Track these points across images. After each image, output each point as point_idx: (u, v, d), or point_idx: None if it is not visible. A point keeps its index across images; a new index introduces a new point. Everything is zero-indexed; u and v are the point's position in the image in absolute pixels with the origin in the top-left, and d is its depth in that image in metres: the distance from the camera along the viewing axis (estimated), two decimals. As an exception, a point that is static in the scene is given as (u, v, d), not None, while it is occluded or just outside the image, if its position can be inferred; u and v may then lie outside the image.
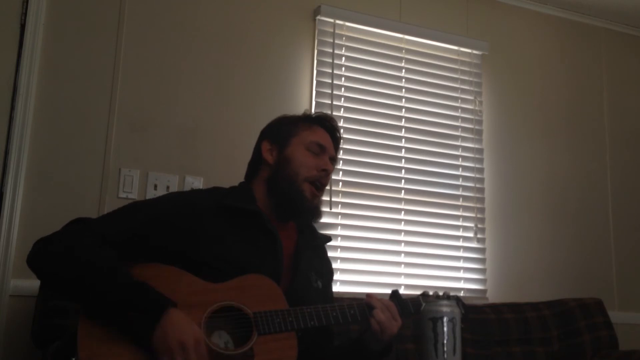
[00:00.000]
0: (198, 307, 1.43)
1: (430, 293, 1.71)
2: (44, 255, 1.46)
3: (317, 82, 2.74)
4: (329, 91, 2.75)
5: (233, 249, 1.56)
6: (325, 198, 2.65)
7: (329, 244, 1.88)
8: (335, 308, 1.56)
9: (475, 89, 3.06)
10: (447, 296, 1.68)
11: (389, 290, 2.71)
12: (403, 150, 2.87)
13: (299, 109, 2.67)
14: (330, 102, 2.74)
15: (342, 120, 2.76)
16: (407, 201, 2.83)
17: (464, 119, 3.02)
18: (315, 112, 1.88)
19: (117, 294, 1.37)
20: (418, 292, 2.67)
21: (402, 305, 1.63)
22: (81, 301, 1.40)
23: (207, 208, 1.61)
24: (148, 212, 1.59)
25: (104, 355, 1.33)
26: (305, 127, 1.77)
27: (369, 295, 1.63)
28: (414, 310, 1.65)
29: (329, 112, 2.70)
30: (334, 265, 2.58)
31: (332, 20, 2.80)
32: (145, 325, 1.34)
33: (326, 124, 1.81)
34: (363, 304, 1.60)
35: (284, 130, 1.77)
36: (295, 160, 1.70)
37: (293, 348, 1.48)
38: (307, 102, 2.71)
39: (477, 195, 2.97)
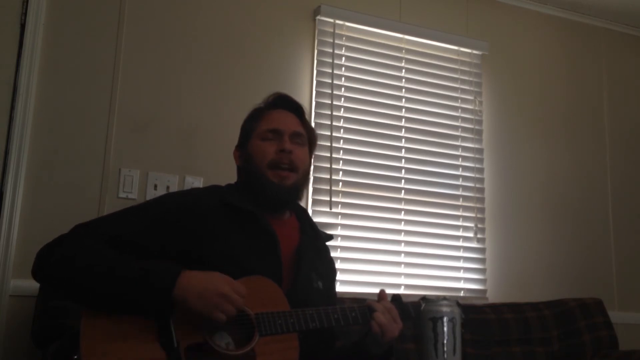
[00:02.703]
0: None
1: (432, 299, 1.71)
2: (46, 265, 1.46)
3: (317, 82, 2.74)
4: (329, 91, 2.75)
5: (235, 248, 1.56)
6: (325, 198, 2.65)
7: (330, 243, 1.88)
8: (337, 310, 1.56)
9: (475, 89, 3.06)
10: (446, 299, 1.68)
11: (389, 291, 2.70)
12: (403, 150, 2.87)
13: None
14: (330, 102, 2.74)
15: (342, 120, 2.76)
16: (407, 201, 2.83)
17: (464, 119, 3.01)
18: (268, 98, 1.82)
19: (127, 277, 1.38)
20: (418, 292, 2.70)
21: (402, 308, 1.63)
22: (92, 302, 1.39)
23: (210, 207, 1.61)
24: (151, 213, 1.58)
25: (105, 354, 1.34)
26: (259, 118, 1.76)
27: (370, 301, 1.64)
28: (415, 313, 1.65)
29: (329, 112, 2.71)
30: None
31: (332, 20, 2.80)
32: (165, 291, 1.36)
33: (280, 104, 1.78)
34: (364, 307, 1.60)
35: (243, 132, 1.79)
36: (254, 154, 1.70)
37: (294, 349, 1.48)
38: (307, 102, 2.71)
39: (477, 195, 2.97)
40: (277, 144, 1.69)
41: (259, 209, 1.66)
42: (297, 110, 1.78)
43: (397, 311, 1.60)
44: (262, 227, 1.63)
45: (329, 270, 1.82)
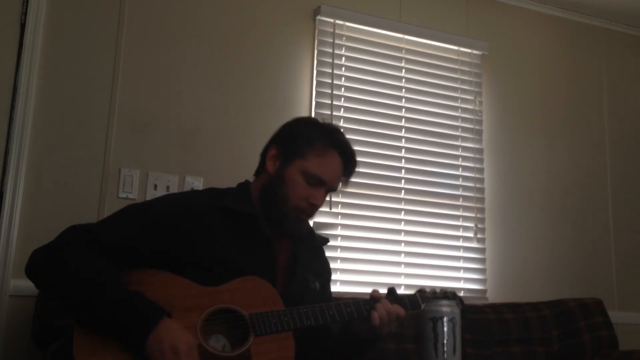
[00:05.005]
0: (195, 311, 1.43)
1: (427, 290, 1.71)
2: (39, 269, 1.46)
3: (317, 82, 2.74)
4: (329, 91, 2.75)
5: (229, 251, 1.56)
6: (325, 198, 2.65)
7: (330, 243, 1.88)
8: (332, 307, 1.56)
9: (475, 89, 3.06)
10: (444, 293, 1.68)
11: (388, 291, 2.68)
12: (403, 150, 2.87)
13: (299, 110, 2.68)
14: (330, 102, 2.73)
15: (342, 120, 2.76)
16: (407, 201, 2.83)
17: (464, 119, 3.01)
18: (338, 136, 1.71)
19: (108, 308, 1.37)
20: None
21: (398, 301, 1.63)
22: (75, 314, 1.40)
23: (205, 210, 1.61)
24: (145, 216, 1.58)
25: None
26: (318, 151, 1.64)
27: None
28: (410, 306, 1.65)
29: (329, 112, 2.71)
30: (334, 265, 2.59)
31: (332, 20, 2.80)
32: (139, 336, 1.35)
33: (343, 154, 1.69)
34: (360, 302, 1.60)
35: (294, 145, 1.66)
36: (289, 185, 1.63)
37: (290, 348, 1.48)
38: (307, 102, 2.71)
39: (477, 195, 2.97)
40: (314, 193, 1.64)
41: (258, 212, 1.66)
42: (348, 171, 1.72)
43: (396, 316, 1.59)
44: (259, 230, 1.63)
45: (325, 272, 1.82)
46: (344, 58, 2.82)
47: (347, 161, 1.70)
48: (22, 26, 2.31)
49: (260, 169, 1.74)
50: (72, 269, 1.43)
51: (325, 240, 1.86)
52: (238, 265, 1.54)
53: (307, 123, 1.76)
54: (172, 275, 1.49)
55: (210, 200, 1.64)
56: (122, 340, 1.37)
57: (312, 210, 1.68)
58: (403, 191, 2.84)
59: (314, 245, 1.80)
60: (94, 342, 1.36)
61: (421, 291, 1.70)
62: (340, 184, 1.73)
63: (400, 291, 2.69)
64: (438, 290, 1.71)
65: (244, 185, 1.75)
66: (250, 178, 1.79)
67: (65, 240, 1.50)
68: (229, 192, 1.72)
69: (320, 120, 1.76)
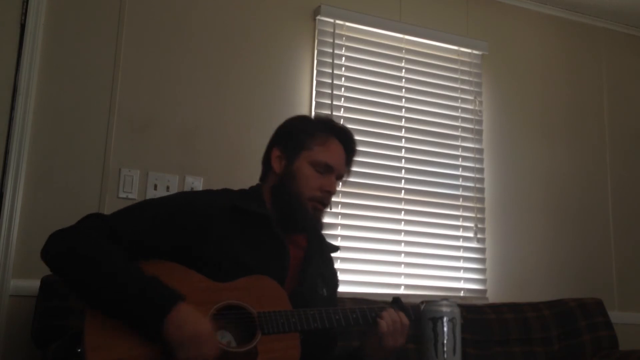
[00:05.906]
0: (203, 305, 1.44)
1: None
2: (55, 253, 1.46)
3: (317, 82, 2.74)
4: (329, 91, 2.75)
5: (240, 251, 1.57)
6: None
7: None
8: (338, 311, 1.57)
9: (475, 89, 3.06)
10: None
11: (389, 291, 2.71)
12: (403, 150, 2.87)
13: (299, 110, 2.68)
14: (330, 102, 2.74)
15: (342, 120, 2.75)
16: (407, 201, 2.83)
17: (464, 119, 3.01)
18: (334, 124, 1.79)
19: (125, 290, 1.37)
20: (418, 292, 2.70)
21: (402, 311, 1.64)
22: (90, 299, 1.40)
23: (219, 208, 1.61)
24: (161, 211, 1.58)
25: (108, 348, 1.34)
26: (320, 140, 1.70)
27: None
28: (415, 317, 1.66)
29: (329, 112, 2.71)
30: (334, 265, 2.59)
31: (332, 20, 2.80)
32: (155, 320, 1.34)
33: (343, 139, 1.74)
34: (365, 309, 1.60)
35: (296, 140, 1.71)
36: (300, 178, 1.67)
37: (295, 348, 1.48)
38: (307, 102, 2.71)
39: (477, 195, 2.97)
40: (325, 181, 1.68)
41: (271, 214, 1.66)
42: (351, 153, 1.77)
43: (401, 324, 1.59)
44: (272, 232, 1.63)
45: (333, 281, 1.82)
46: (344, 58, 2.82)
47: (348, 146, 1.76)
48: (22, 26, 2.31)
49: (265, 175, 1.76)
50: (88, 253, 1.43)
51: (335, 248, 1.88)
52: (247, 263, 1.54)
53: (301, 119, 1.82)
54: (183, 268, 1.49)
55: (224, 199, 1.65)
56: (138, 327, 1.36)
57: (328, 198, 1.70)
58: (403, 191, 2.84)
59: (324, 252, 1.81)
60: (106, 324, 1.36)
61: (423, 303, 1.70)
62: (346, 172, 1.77)
63: (401, 291, 2.71)
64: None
65: (257, 188, 1.76)
66: (252, 178, 1.80)
67: (83, 226, 1.51)
68: (242, 193, 1.73)
69: (312, 115, 1.79)
